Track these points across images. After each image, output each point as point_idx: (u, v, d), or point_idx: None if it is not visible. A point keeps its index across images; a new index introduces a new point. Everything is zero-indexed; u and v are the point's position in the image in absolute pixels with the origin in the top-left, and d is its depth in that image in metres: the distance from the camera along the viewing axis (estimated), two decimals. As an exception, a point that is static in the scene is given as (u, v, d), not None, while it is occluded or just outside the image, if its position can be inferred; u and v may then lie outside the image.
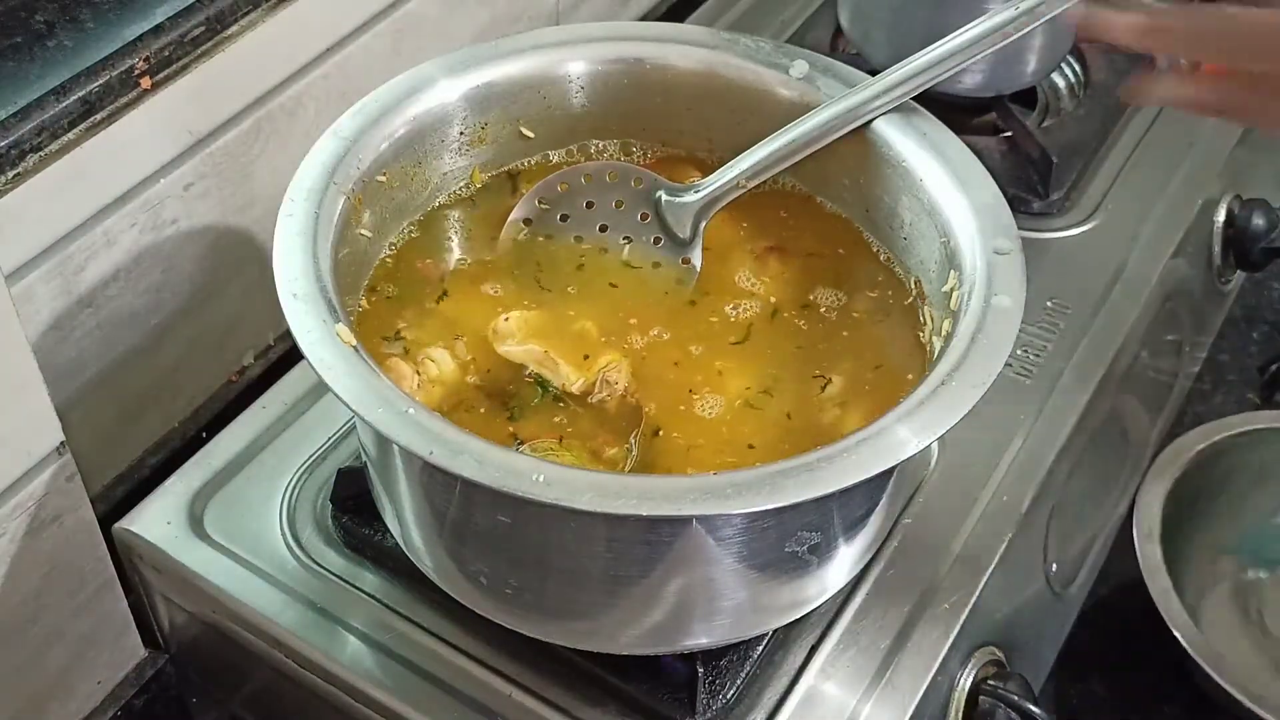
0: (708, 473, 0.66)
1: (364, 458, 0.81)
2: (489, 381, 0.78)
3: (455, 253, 0.85)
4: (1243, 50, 0.76)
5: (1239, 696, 0.98)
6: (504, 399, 0.77)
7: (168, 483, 0.91)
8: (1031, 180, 1.11)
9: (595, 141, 0.91)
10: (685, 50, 0.88)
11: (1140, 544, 1.06)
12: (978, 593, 0.86)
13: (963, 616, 0.84)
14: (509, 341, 0.79)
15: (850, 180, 0.86)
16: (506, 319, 0.80)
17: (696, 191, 0.85)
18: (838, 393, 0.78)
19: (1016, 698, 0.86)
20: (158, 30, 0.81)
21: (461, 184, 0.87)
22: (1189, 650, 1.01)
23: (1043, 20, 0.80)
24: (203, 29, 0.83)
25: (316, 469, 0.92)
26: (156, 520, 0.89)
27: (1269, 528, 1.18)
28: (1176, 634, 1.01)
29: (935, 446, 0.92)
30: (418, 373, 0.76)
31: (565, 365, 0.78)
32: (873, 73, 0.90)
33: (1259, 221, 1.22)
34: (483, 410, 0.76)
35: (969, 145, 0.81)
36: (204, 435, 0.95)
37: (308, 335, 0.67)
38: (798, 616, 0.79)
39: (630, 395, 0.77)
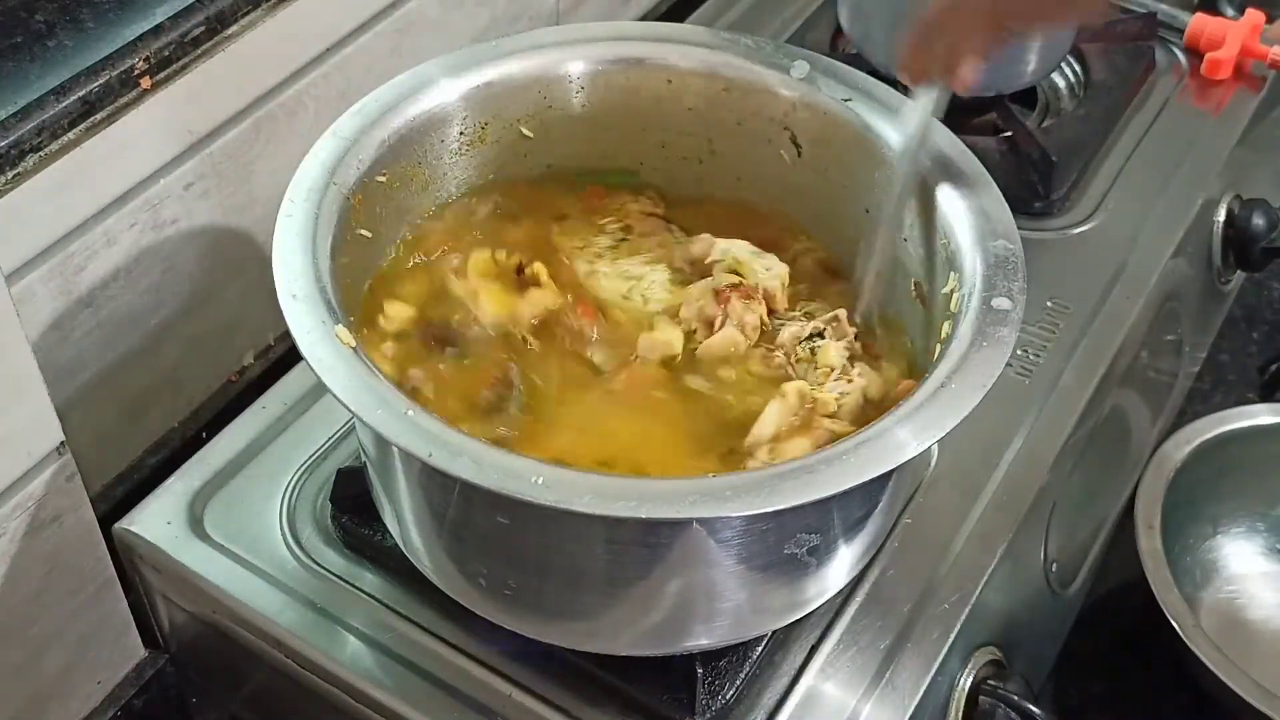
0: (707, 475, 0.66)
1: (363, 458, 0.81)
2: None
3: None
4: None
5: (1235, 689, 0.98)
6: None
7: (168, 483, 0.91)
8: (1031, 180, 1.11)
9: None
10: (685, 50, 0.88)
11: (1141, 533, 1.06)
12: (978, 593, 0.86)
13: (963, 616, 0.84)
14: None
15: (851, 180, 0.86)
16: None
17: None
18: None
19: (1016, 698, 0.86)
20: (158, 30, 0.81)
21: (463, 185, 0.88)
22: (1186, 642, 1.00)
23: None
24: (203, 29, 0.83)
25: (316, 469, 0.92)
26: (156, 520, 0.89)
27: (1269, 521, 1.18)
28: (1174, 624, 1.01)
29: (935, 447, 0.92)
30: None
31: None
32: (873, 72, 0.90)
33: (1259, 221, 1.22)
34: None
35: (969, 145, 0.81)
36: (204, 435, 0.95)
37: (307, 336, 0.67)
38: (797, 617, 0.79)
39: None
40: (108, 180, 0.82)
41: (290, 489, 0.91)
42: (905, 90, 0.82)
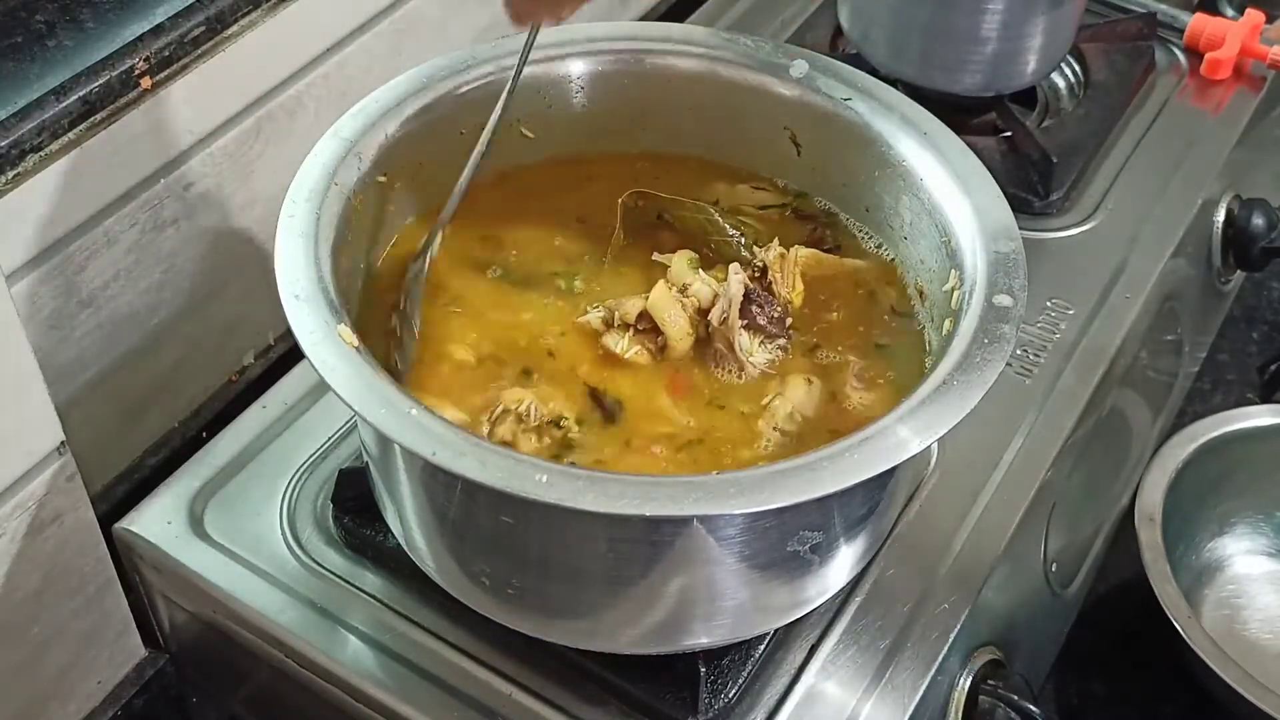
0: (710, 473, 0.66)
1: (365, 458, 0.81)
2: None
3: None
4: None
5: (1231, 683, 0.97)
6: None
7: (168, 483, 0.91)
8: (1031, 180, 1.11)
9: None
10: (685, 50, 0.88)
11: (1141, 526, 1.06)
12: (978, 592, 0.86)
13: (963, 616, 0.84)
14: None
15: (851, 180, 0.86)
16: None
17: None
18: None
19: (1016, 698, 0.86)
20: (158, 30, 0.81)
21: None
22: (1183, 635, 1.00)
23: None
24: (203, 29, 0.83)
25: (317, 469, 0.92)
26: (156, 520, 0.89)
27: (1273, 523, 1.18)
28: (1170, 617, 1.01)
29: (935, 446, 0.92)
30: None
31: None
32: (873, 72, 0.90)
33: (1259, 221, 1.22)
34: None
35: (969, 145, 0.81)
36: (204, 435, 0.95)
37: (310, 336, 0.67)
38: (799, 616, 0.79)
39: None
40: (108, 180, 0.82)
41: (290, 489, 0.91)
42: (905, 89, 0.82)
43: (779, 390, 0.77)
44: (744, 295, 0.79)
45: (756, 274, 0.82)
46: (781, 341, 0.80)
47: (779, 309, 0.80)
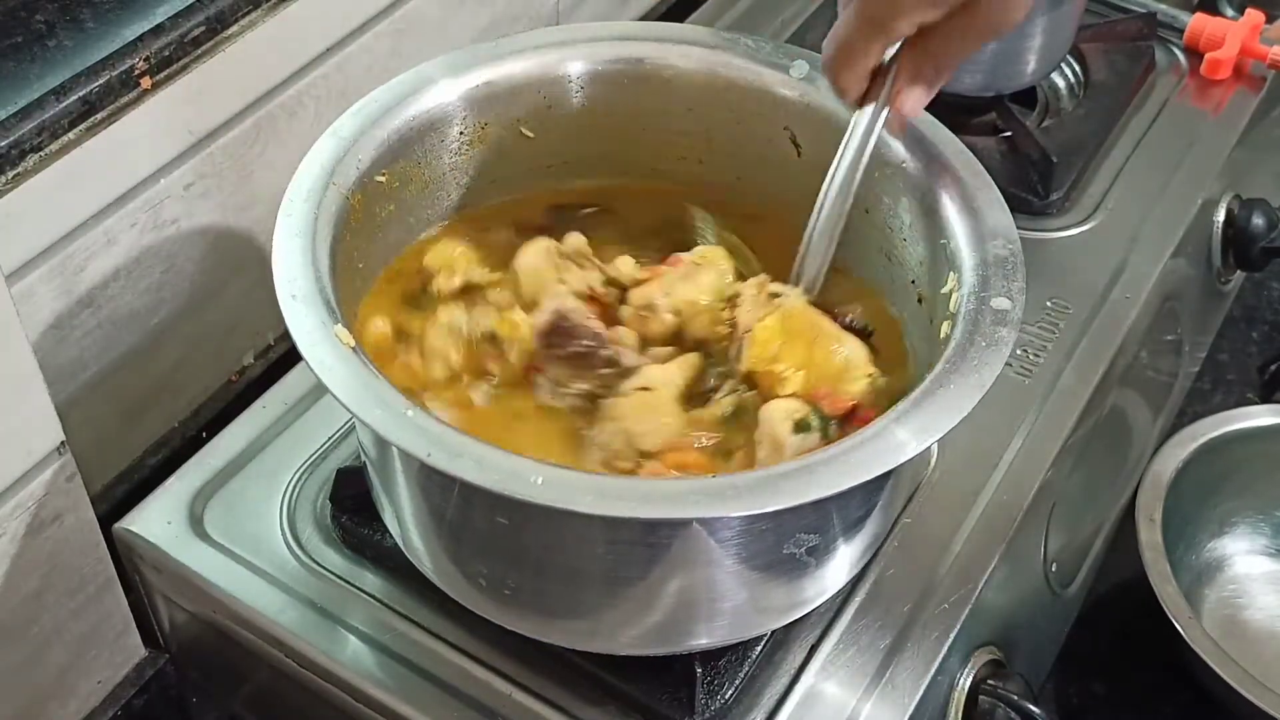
0: (708, 475, 0.66)
1: (363, 458, 0.81)
2: None
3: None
4: None
5: (1230, 680, 0.98)
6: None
7: (168, 483, 0.91)
8: (1031, 180, 1.11)
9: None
10: (685, 50, 0.88)
11: (1141, 526, 1.06)
12: (978, 593, 0.86)
13: (963, 616, 0.84)
14: None
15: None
16: None
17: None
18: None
19: (1016, 698, 0.86)
20: (158, 30, 0.81)
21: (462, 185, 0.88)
22: (1182, 634, 1.00)
23: None
24: (203, 29, 0.83)
25: (316, 469, 0.92)
26: (156, 520, 0.89)
27: (1272, 523, 1.18)
28: (1170, 616, 1.01)
29: (934, 446, 0.92)
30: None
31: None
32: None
33: (1259, 221, 1.22)
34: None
35: (969, 145, 0.81)
36: (204, 435, 0.95)
37: (306, 336, 0.67)
38: (797, 617, 0.79)
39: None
40: (108, 180, 0.82)
41: (290, 489, 0.91)
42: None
43: None
44: (554, 324, 0.76)
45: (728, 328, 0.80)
46: (603, 372, 0.77)
47: (591, 341, 0.77)
